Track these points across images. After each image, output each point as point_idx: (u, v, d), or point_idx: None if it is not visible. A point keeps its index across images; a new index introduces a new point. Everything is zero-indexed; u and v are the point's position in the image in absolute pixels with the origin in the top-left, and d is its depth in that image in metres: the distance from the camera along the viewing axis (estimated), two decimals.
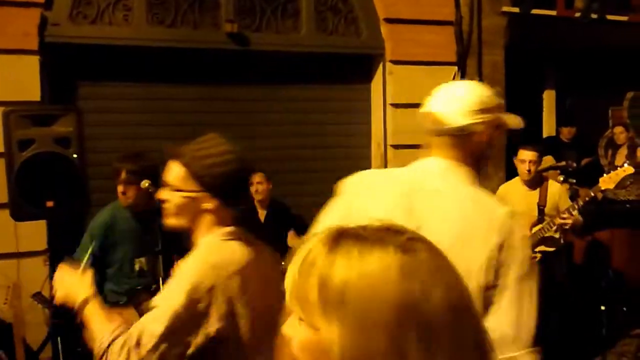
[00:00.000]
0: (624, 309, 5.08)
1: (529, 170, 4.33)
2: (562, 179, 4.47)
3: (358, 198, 1.77)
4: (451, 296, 0.79)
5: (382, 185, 1.79)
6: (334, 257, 0.80)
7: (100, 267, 3.39)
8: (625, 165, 4.24)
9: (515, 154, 4.50)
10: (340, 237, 0.82)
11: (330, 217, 1.80)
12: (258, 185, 4.81)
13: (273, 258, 2.08)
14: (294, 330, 0.83)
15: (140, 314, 3.23)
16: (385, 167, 5.71)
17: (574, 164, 5.97)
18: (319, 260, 0.81)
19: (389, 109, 5.64)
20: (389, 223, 0.85)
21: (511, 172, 5.60)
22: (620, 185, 5.49)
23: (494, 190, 5.29)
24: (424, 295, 0.77)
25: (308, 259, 0.82)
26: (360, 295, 0.77)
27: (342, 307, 0.77)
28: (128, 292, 3.39)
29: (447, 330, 0.77)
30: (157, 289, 3.19)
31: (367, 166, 5.85)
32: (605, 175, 4.22)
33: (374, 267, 0.78)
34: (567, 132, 6.34)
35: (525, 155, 4.36)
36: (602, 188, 4.19)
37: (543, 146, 4.98)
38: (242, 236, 1.94)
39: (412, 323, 0.76)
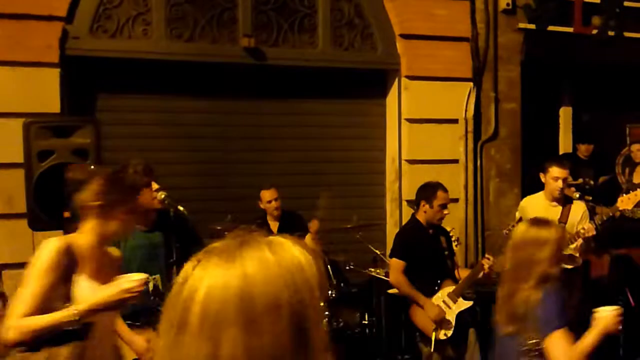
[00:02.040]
0: None
1: (562, 188, 4.30)
2: (577, 196, 4.42)
3: None
4: (314, 287, 0.89)
5: None
6: (202, 277, 0.88)
7: None
8: None
9: (543, 169, 4.44)
10: (205, 257, 0.91)
11: None
12: (274, 202, 4.85)
13: None
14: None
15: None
16: (400, 182, 5.70)
17: (591, 182, 5.91)
18: (189, 285, 0.89)
19: (404, 124, 5.64)
20: (243, 233, 0.93)
21: (526, 189, 5.57)
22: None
23: (510, 207, 5.26)
24: (292, 289, 0.86)
25: (182, 285, 0.90)
26: (234, 303, 0.85)
27: (223, 317, 0.85)
28: (144, 312, 3.27)
29: (314, 319, 0.87)
30: None
31: (381, 181, 5.85)
32: (624, 195, 4.16)
33: (240, 276, 0.87)
34: (584, 150, 6.28)
35: (561, 173, 4.30)
36: (620, 208, 4.13)
37: (569, 162, 4.93)
38: None
39: (289, 317, 0.85)
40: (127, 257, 3.27)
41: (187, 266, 0.90)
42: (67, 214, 3.52)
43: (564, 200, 4.42)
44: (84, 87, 4.93)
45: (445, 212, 4.29)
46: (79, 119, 4.16)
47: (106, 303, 2.32)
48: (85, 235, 2.39)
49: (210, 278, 0.85)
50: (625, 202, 4.14)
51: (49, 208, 3.50)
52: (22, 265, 4.40)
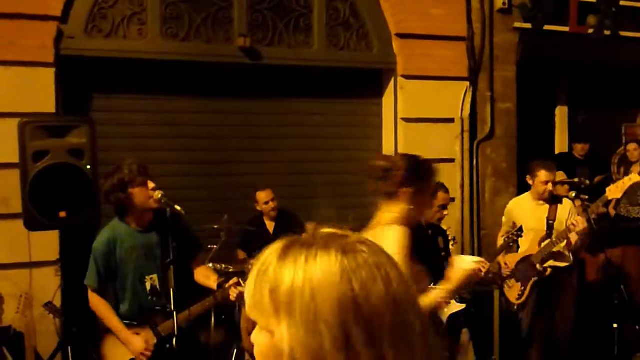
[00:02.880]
0: (637, 327, 5.00)
1: (551, 191, 4.35)
2: (573, 195, 4.43)
3: None
4: (392, 292, 0.84)
5: None
6: (283, 264, 0.86)
7: (111, 290, 3.32)
8: (632, 174, 4.21)
9: (530, 172, 4.47)
10: (290, 246, 0.89)
11: None
12: (271, 203, 4.85)
13: None
14: (256, 338, 0.89)
15: (157, 335, 3.23)
16: None
17: (587, 181, 5.93)
18: (270, 269, 0.87)
19: (400, 123, 5.65)
20: (335, 229, 0.92)
21: (522, 188, 5.58)
22: (635, 202, 5.45)
23: (503, 206, 5.27)
24: (363, 292, 0.82)
25: (261, 269, 0.88)
26: (306, 297, 0.83)
27: (290, 309, 0.83)
28: (143, 313, 3.28)
29: (388, 324, 0.82)
30: (172, 311, 3.15)
31: None
32: (612, 184, 4.17)
33: (318, 270, 0.84)
34: (580, 149, 6.30)
35: (549, 177, 4.35)
36: (609, 198, 4.14)
37: (556, 162, 4.97)
38: None
39: (354, 319, 0.81)
40: (123, 257, 3.27)
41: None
42: (62, 214, 3.52)
43: (550, 198, 4.43)
44: (79, 87, 4.92)
45: (445, 212, 4.30)
46: (75, 118, 4.15)
47: (463, 283, 2.51)
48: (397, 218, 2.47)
49: (316, 273, 0.84)
50: (613, 192, 4.15)
51: (44, 208, 3.50)
52: (18, 266, 4.41)
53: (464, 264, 2.60)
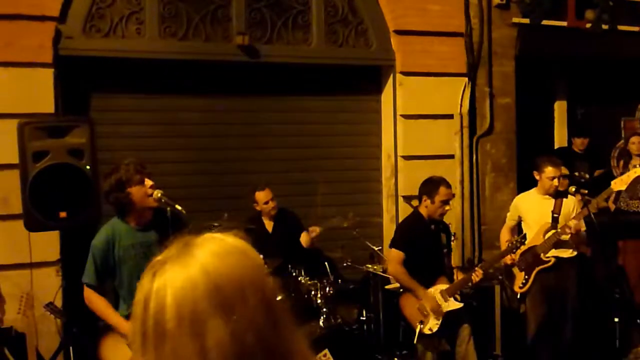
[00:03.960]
0: (638, 321, 5.01)
1: (557, 186, 4.41)
2: (573, 189, 4.45)
3: None
4: (179, 303, 0.90)
5: None
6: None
7: (109, 288, 3.31)
8: (637, 166, 4.24)
9: (536, 168, 4.49)
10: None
11: None
12: (271, 202, 4.85)
13: None
14: None
15: None
16: (396, 178, 5.71)
17: (587, 175, 5.94)
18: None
19: (399, 120, 5.65)
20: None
21: (521, 183, 5.59)
22: (635, 195, 5.46)
23: (506, 201, 5.29)
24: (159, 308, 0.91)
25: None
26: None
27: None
28: None
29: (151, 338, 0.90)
30: None
31: (377, 177, 5.86)
32: (617, 177, 4.22)
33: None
34: (579, 143, 6.30)
35: (556, 172, 4.41)
36: (615, 190, 4.18)
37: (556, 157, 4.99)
38: None
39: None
40: (122, 255, 3.27)
41: (144, 282, 0.94)
42: (63, 214, 3.52)
43: (557, 193, 4.48)
44: (78, 87, 4.91)
45: (447, 207, 4.29)
46: (74, 119, 4.16)
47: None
48: None
49: (173, 282, 0.90)
50: (618, 184, 4.20)
51: (45, 208, 3.50)
52: (19, 266, 4.42)
53: None
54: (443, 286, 4.23)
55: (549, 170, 4.38)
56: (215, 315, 0.87)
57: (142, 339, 0.90)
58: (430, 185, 4.29)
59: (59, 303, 4.26)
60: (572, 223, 4.19)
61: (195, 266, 0.91)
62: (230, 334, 0.86)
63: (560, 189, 4.57)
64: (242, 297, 0.89)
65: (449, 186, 4.30)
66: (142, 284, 0.94)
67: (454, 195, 4.50)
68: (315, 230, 4.89)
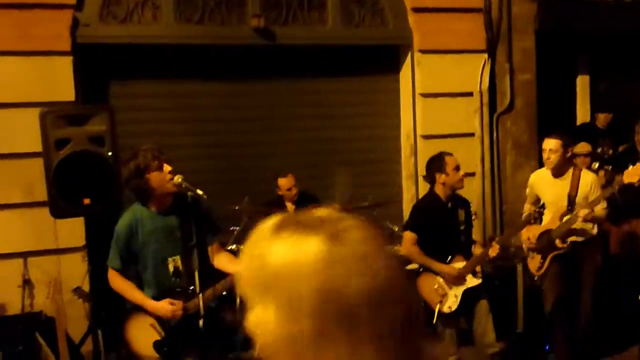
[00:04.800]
0: None
1: (548, 159, 4.25)
2: (597, 166, 4.36)
3: None
4: (373, 284, 0.82)
5: None
6: (274, 242, 0.85)
7: (136, 271, 3.35)
8: None
9: None
10: (284, 224, 0.87)
11: None
12: (294, 189, 4.86)
13: None
14: (249, 315, 0.88)
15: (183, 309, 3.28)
16: (415, 158, 5.68)
17: (610, 151, 5.82)
18: (262, 245, 0.86)
19: (418, 99, 5.60)
20: (330, 210, 0.89)
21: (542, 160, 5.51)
22: None
23: (527, 179, 5.23)
24: (345, 282, 0.81)
25: (255, 242, 0.88)
26: (290, 281, 0.82)
27: (275, 290, 0.83)
28: (165, 294, 3.30)
29: (366, 317, 0.81)
30: (194, 292, 3.19)
31: (397, 158, 5.83)
32: (630, 167, 4.02)
33: (303, 255, 0.82)
34: (603, 119, 6.18)
35: (546, 144, 4.27)
36: (625, 182, 4.01)
37: (578, 133, 4.87)
38: None
39: (333, 308, 0.80)
40: (145, 240, 3.31)
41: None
42: (86, 201, 3.58)
43: (566, 171, 4.30)
44: (96, 74, 4.95)
45: (461, 173, 4.27)
46: (94, 106, 4.20)
47: None
48: None
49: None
50: (630, 175, 3.96)
51: (69, 195, 3.56)
52: (46, 253, 4.51)
53: None
54: (460, 264, 4.22)
55: (543, 142, 4.30)
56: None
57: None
58: (436, 162, 4.25)
59: (86, 288, 4.34)
60: (583, 213, 4.03)
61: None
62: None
63: (583, 166, 4.48)
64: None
65: (451, 154, 4.27)
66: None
67: (473, 174, 4.46)
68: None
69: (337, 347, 0.80)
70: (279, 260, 0.83)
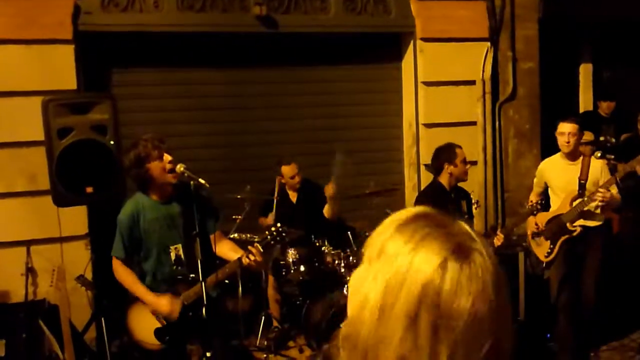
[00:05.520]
0: None
1: (568, 142, 4.23)
2: (599, 154, 4.35)
3: None
4: (477, 307, 0.81)
5: None
6: (395, 237, 0.86)
7: (137, 261, 3.38)
8: None
9: (555, 128, 4.39)
10: (414, 218, 0.88)
11: None
12: (297, 177, 4.86)
13: None
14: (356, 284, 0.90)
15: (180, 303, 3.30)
16: (417, 146, 5.67)
17: (613, 139, 5.81)
18: (386, 234, 0.88)
19: (420, 87, 5.58)
20: (462, 226, 0.88)
21: (545, 149, 5.50)
22: None
23: (529, 168, 5.22)
24: (449, 299, 0.81)
25: (380, 230, 0.90)
26: (398, 275, 0.83)
27: (385, 268, 0.84)
28: (167, 281, 3.33)
29: (459, 335, 0.80)
30: (196, 279, 3.21)
31: (399, 146, 5.83)
32: None
33: (418, 260, 0.83)
34: (606, 107, 6.16)
35: (565, 128, 4.25)
36: (636, 167, 4.04)
37: (581, 121, 4.85)
38: None
39: (427, 316, 0.80)
40: (147, 229, 3.32)
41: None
42: (89, 189, 3.59)
43: (579, 156, 4.32)
44: (98, 62, 4.94)
45: (468, 166, 4.33)
46: (96, 95, 4.19)
47: None
48: None
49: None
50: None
51: (71, 184, 3.56)
52: (49, 241, 4.53)
53: None
54: None
55: (559, 126, 4.28)
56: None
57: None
58: (447, 152, 4.29)
59: (89, 276, 4.36)
60: (599, 195, 4.06)
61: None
62: None
63: (587, 153, 4.47)
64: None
65: (460, 147, 4.34)
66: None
67: (476, 163, 4.45)
68: (330, 188, 4.73)
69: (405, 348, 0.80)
70: (395, 252, 0.84)
